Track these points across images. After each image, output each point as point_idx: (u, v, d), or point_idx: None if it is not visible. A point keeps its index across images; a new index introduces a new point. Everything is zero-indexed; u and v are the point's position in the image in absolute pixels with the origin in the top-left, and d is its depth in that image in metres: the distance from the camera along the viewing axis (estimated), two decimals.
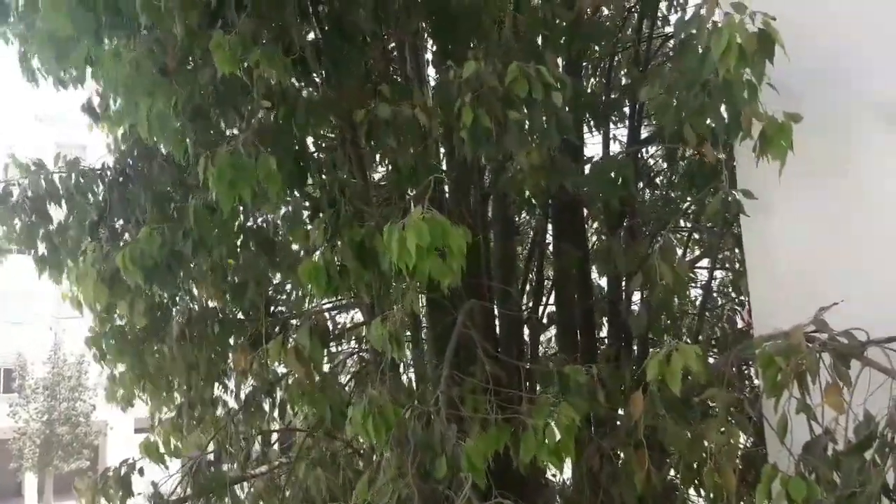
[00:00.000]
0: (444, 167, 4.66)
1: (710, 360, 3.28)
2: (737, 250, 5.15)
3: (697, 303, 5.59)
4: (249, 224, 4.49)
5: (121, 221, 4.60)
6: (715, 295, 5.86)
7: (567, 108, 3.16)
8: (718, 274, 5.81)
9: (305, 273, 3.12)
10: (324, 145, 4.05)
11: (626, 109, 5.43)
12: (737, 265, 5.42)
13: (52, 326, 22.88)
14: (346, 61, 3.61)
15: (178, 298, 4.53)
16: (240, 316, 4.62)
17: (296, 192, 3.57)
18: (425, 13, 4.03)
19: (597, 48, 5.10)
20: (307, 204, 3.77)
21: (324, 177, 3.50)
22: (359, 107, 3.40)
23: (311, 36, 3.84)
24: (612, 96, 5.39)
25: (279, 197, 3.09)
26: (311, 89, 3.65)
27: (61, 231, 4.78)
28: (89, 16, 3.02)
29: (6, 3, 4.46)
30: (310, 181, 3.72)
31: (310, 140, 4.07)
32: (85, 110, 5.02)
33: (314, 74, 3.65)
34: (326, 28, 3.69)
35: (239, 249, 4.33)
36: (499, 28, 3.98)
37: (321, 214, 3.32)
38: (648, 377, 2.43)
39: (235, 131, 4.13)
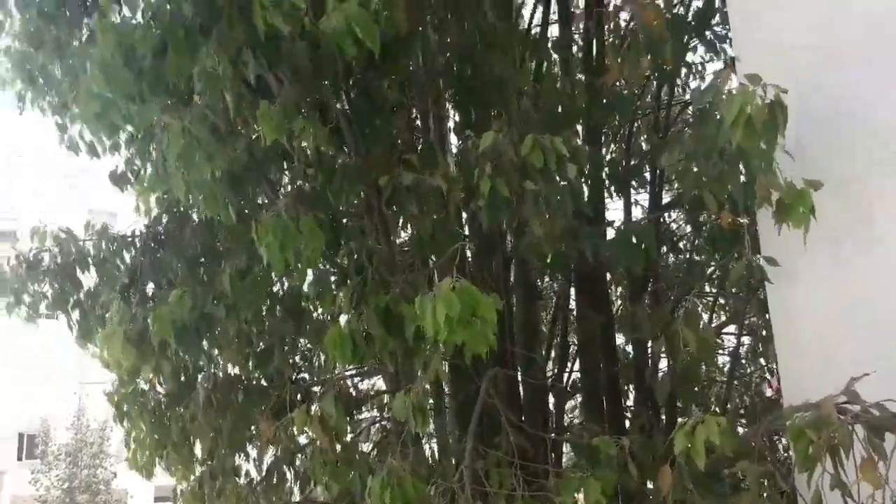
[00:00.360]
0: (467, 232, 4.71)
1: (740, 430, 3.20)
2: (766, 315, 5.08)
3: (725, 370, 5.48)
4: (276, 290, 4.54)
5: (151, 285, 4.69)
6: (743, 361, 5.75)
7: (585, 177, 3.20)
8: (746, 340, 5.72)
9: (331, 341, 3.14)
10: (351, 212, 4.13)
11: (647, 175, 5.47)
12: (763, 332, 5.34)
13: (76, 391, 23.01)
14: (374, 130, 3.73)
15: (202, 364, 4.56)
16: (263, 383, 4.62)
17: (328, 258, 3.61)
18: (449, 84, 4.16)
19: (617, 115, 5.19)
20: (333, 271, 3.82)
21: (351, 244, 3.56)
22: (385, 174, 3.48)
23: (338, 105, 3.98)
24: (633, 162, 5.44)
25: (312, 262, 3.14)
26: (342, 157, 3.75)
27: (91, 296, 4.87)
28: (134, 81, 3.16)
29: (49, 71, 4.70)
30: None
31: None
32: (113, 178, 5.19)
33: (345, 142, 3.75)
34: (355, 97, 3.81)
35: (265, 315, 4.36)
36: (518, 98, 4.08)
37: (349, 282, 3.36)
38: (675, 450, 2.37)
39: (265, 199, 4.27)
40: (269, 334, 4.44)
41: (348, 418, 3.66)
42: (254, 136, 3.42)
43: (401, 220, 4.24)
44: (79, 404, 22.68)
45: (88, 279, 4.93)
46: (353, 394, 4.71)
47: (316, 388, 4.62)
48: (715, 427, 2.28)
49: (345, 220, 3.94)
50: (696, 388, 4.73)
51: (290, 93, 2.98)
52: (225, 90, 2.92)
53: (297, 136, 3.04)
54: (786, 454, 4.03)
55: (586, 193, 3.55)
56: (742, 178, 2.97)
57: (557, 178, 2.99)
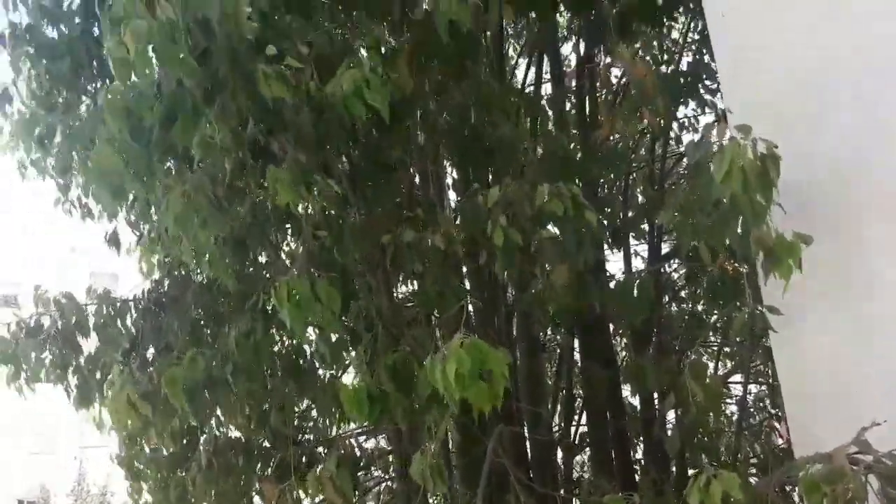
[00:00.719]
0: (468, 286, 4.72)
1: (752, 481, 3.15)
2: (772, 363, 5.05)
3: (734, 419, 5.42)
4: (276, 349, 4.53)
5: (151, 350, 4.67)
6: (751, 409, 5.69)
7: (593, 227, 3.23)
8: (753, 388, 5.68)
9: (347, 400, 3.13)
10: (358, 270, 4.17)
11: (645, 226, 5.52)
12: (770, 379, 5.30)
13: (76, 456, 22.64)
14: (378, 189, 3.79)
15: (205, 426, 4.51)
16: (265, 444, 4.56)
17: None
18: (449, 143, 4.24)
19: (612, 169, 5.26)
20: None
21: (360, 302, 3.58)
22: (388, 232, 3.52)
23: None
24: (630, 214, 5.50)
25: (332, 323, 3.15)
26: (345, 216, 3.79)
27: (91, 361, 4.84)
28: (141, 152, 3.21)
29: (44, 138, 4.79)
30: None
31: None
32: (109, 241, 5.26)
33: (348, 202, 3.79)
34: (358, 158, 3.87)
35: (268, 375, 4.34)
36: (522, 155, 4.16)
37: (362, 340, 3.36)
38: None
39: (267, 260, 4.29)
40: (270, 395, 4.41)
41: (354, 479, 3.60)
42: (257, 199, 3.47)
43: (401, 276, 4.27)
44: (79, 469, 22.31)
45: (88, 343, 4.91)
46: (358, 454, 4.65)
47: (319, 449, 4.56)
48: (733, 481, 2.25)
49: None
50: (705, 439, 4.68)
51: (299, 156, 3.02)
52: (226, 157, 2.97)
53: (304, 198, 3.08)
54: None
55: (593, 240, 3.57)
56: (739, 230, 3.00)
57: (575, 226, 3.03)
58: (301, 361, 4.34)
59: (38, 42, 4.56)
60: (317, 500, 4.02)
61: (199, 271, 4.42)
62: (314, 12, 3.70)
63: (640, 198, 5.77)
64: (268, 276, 4.09)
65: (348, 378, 4.49)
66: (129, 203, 4.68)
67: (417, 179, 4.84)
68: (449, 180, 5.18)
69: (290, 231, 4.22)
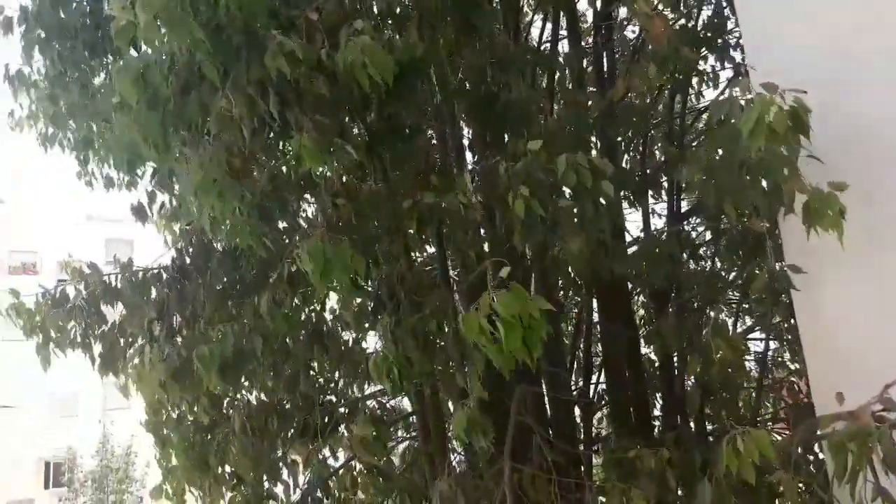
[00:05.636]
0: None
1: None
2: (792, 320, 5.04)
3: (752, 374, 5.44)
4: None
5: (177, 318, 4.71)
6: (771, 366, 5.70)
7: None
8: (773, 344, 5.68)
9: (375, 369, 3.17)
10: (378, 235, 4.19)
11: (664, 184, 5.46)
12: (790, 335, 5.30)
13: (101, 419, 23.21)
14: (395, 154, 3.77)
15: (236, 393, 4.57)
16: (287, 407, 4.63)
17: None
18: (464, 105, 4.19)
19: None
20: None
21: (382, 268, 3.58)
22: (408, 197, 3.51)
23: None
24: (648, 171, 5.45)
25: (352, 289, 3.16)
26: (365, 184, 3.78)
27: (117, 330, 4.91)
28: (158, 124, 3.20)
29: (74, 108, 4.80)
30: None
31: None
32: (134, 212, 5.29)
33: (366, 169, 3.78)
34: (374, 124, 3.85)
35: (291, 342, 4.38)
36: (538, 114, 4.11)
37: (386, 306, 3.37)
38: (723, 465, 2.36)
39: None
40: (294, 360, 4.46)
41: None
42: (275, 170, 3.46)
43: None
44: (103, 431, 22.85)
45: (111, 311, 4.97)
46: (383, 415, 4.73)
47: (342, 410, 4.64)
48: (765, 440, 2.25)
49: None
50: (725, 395, 4.71)
51: (319, 123, 2.99)
52: (243, 127, 2.95)
53: (329, 163, 3.07)
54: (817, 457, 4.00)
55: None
56: (764, 187, 2.97)
57: (592, 195, 3.01)
58: (324, 328, 4.38)
59: (48, 25, 4.53)
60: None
61: (220, 240, 4.46)
62: None
63: (659, 155, 5.70)
64: (288, 242, 4.10)
65: (370, 342, 4.55)
66: (149, 173, 4.71)
67: (434, 142, 4.81)
68: (465, 141, 5.13)
69: (309, 199, 4.21)
